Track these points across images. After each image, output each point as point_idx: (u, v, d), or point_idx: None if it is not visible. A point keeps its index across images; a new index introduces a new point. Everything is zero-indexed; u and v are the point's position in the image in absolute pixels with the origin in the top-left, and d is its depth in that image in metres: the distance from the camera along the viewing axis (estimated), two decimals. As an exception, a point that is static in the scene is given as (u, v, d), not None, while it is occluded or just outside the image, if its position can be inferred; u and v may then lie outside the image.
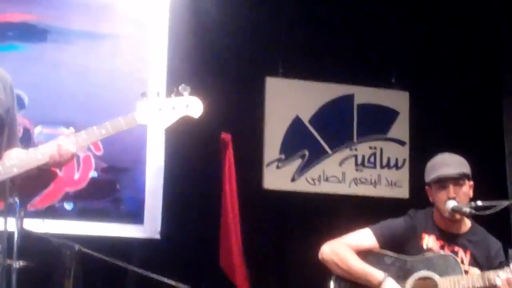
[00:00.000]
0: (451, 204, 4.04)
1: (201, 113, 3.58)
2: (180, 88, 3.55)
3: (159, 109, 3.53)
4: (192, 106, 3.58)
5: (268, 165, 6.56)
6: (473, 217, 4.13)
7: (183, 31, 6.26)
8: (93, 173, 5.84)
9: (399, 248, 4.15)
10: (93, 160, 5.80)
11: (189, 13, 6.24)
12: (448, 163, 4.14)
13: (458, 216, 4.09)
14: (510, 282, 3.84)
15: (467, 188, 4.14)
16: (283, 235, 6.57)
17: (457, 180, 4.10)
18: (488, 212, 3.90)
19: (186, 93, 3.55)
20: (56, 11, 5.86)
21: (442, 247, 4.15)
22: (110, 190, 5.89)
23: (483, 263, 4.12)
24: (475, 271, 4.06)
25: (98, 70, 5.95)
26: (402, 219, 4.25)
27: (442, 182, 4.09)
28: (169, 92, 3.51)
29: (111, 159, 5.90)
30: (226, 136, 6.11)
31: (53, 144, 3.34)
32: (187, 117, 3.56)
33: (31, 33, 5.75)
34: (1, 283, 3.40)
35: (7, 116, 3.48)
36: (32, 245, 4.77)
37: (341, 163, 6.77)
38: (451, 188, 4.07)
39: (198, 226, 6.14)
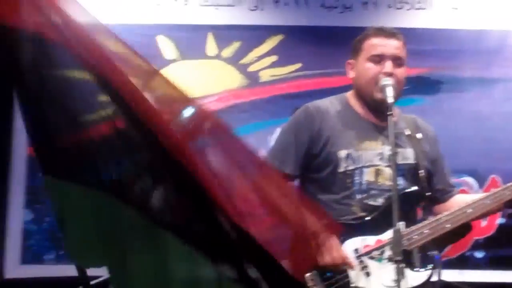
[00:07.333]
0: None
1: None
2: None
3: None
4: None
5: None
6: None
7: None
8: (500, 220, 5.72)
9: None
10: (500, 207, 5.67)
11: None
12: None
13: None
14: None
15: None
16: None
17: None
18: None
19: None
20: (447, 62, 5.93)
21: None
22: (519, 236, 5.72)
23: None
24: None
25: (492, 114, 5.87)
26: None
27: None
28: None
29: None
30: None
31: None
32: None
33: (426, 85, 5.88)
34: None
35: (434, 167, 3.54)
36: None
37: None
38: None
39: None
